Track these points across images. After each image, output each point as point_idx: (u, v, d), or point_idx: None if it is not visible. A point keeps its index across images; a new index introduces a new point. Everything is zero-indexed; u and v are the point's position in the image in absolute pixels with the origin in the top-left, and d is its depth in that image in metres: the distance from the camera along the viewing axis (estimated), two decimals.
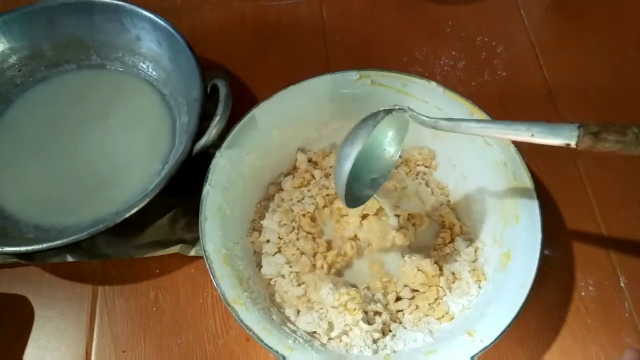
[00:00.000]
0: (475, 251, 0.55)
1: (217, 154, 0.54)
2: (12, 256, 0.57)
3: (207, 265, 0.49)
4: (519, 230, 0.51)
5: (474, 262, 0.54)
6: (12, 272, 0.59)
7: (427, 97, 0.56)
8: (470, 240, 0.57)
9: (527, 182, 0.51)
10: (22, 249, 0.51)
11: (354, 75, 0.57)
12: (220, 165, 0.54)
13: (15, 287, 0.58)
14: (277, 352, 0.45)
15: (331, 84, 0.58)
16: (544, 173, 0.63)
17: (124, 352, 0.55)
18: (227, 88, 0.57)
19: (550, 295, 0.56)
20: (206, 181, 0.52)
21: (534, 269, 0.47)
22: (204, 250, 0.49)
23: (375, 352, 0.50)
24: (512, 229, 0.52)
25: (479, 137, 0.54)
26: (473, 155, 0.56)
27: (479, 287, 0.52)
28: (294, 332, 0.49)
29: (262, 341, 0.45)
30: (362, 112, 0.58)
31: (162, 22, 0.63)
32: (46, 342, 0.55)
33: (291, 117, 0.58)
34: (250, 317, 0.47)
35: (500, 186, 0.54)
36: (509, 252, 0.51)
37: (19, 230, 0.58)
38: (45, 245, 0.50)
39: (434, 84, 0.56)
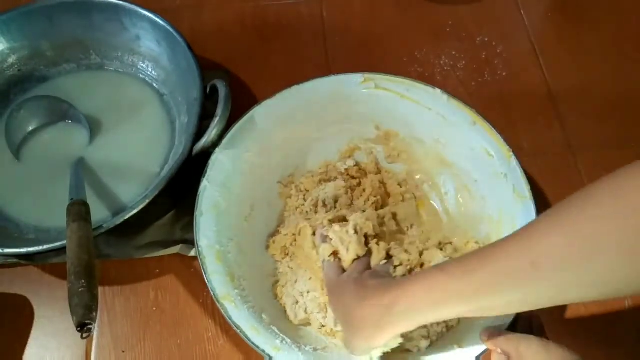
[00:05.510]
0: None
1: (217, 149, 0.54)
2: (12, 257, 0.57)
3: (199, 260, 0.49)
4: None
5: None
6: (12, 272, 0.59)
7: (430, 103, 0.56)
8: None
9: (527, 196, 0.50)
10: (23, 250, 0.51)
11: (358, 77, 0.57)
12: (219, 161, 0.54)
13: (16, 287, 0.58)
14: (263, 351, 0.45)
15: (335, 86, 0.58)
16: (544, 173, 0.63)
17: (123, 352, 0.55)
18: (227, 88, 0.57)
19: None
20: (204, 176, 0.52)
21: None
22: (197, 245, 0.49)
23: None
24: None
25: (481, 147, 0.54)
26: (474, 166, 0.56)
27: None
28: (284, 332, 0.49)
29: (249, 340, 0.45)
30: (365, 115, 0.58)
31: (161, 22, 0.63)
32: (46, 342, 0.55)
33: (293, 117, 0.58)
34: (239, 315, 0.47)
35: (500, 198, 0.53)
36: None
37: (20, 231, 0.59)
38: (45, 247, 0.50)
39: (438, 90, 0.56)
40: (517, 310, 0.40)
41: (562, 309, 0.56)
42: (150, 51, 0.67)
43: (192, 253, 0.58)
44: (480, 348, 0.45)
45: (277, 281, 0.55)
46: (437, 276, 0.38)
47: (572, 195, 0.32)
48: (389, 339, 0.42)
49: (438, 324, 0.51)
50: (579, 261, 0.30)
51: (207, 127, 0.55)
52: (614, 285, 0.30)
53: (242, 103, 0.59)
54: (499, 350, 0.43)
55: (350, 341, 0.44)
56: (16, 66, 0.68)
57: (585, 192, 0.31)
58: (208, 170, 0.53)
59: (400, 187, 0.60)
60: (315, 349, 0.49)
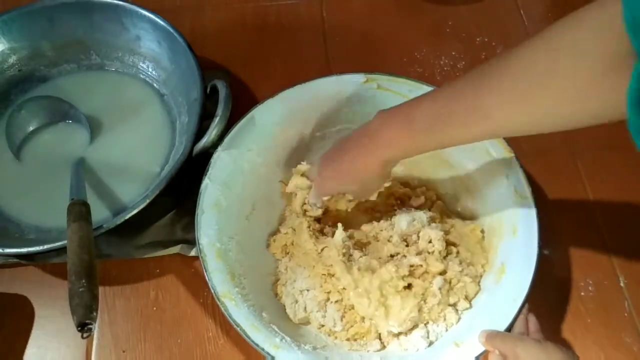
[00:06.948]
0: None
1: (219, 148, 0.54)
2: (12, 256, 0.57)
3: (200, 258, 0.49)
4: (516, 244, 0.50)
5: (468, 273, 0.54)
6: (12, 272, 0.59)
7: None
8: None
9: (527, 196, 0.50)
10: (23, 250, 0.52)
11: (360, 77, 0.57)
12: (221, 160, 0.54)
13: (16, 287, 0.58)
14: (263, 349, 0.45)
15: (337, 85, 0.58)
16: (544, 173, 0.63)
17: (124, 351, 0.55)
18: (227, 89, 0.57)
19: (550, 295, 0.56)
20: (205, 175, 0.53)
21: (528, 284, 0.46)
22: (198, 243, 0.49)
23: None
24: (509, 242, 0.51)
25: (482, 147, 0.54)
26: (474, 166, 0.56)
27: (470, 300, 0.52)
28: (283, 331, 0.49)
29: (249, 338, 0.45)
30: (367, 115, 0.58)
31: (162, 22, 0.63)
32: (46, 342, 0.55)
33: (295, 117, 0.58)
34: (239, 312, 0.47)
35: (500, 198, 0.53)
36: (504, 266, 0.50)
37: (20, 231, 0.59)
38: (45, 247, 0.51)
39: None
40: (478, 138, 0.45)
41: (561, 309, 0.56)
42: (150, 51, 0.67)
43: (193, 253, 0.58)
44: (479, 348, 0.45)
45: (277, 280, 0.56)
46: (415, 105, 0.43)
47: (510, 52, 0.38)
48: (381, 167, 0.47)
49: (438, 324, 0.51)
50: (518, 108, 0.39)
51: (208, 127, 0.55)
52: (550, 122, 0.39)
53: (242, 103, 0.59)
54: (497, 352, 0.43)
55: (353, 187, 0.50)
56: (17, 66, 0.68)
57: (523, 49, 0.38)
58: (210, 169, 0.53)
59: (402, 188, 0.61)
60: (314, 348, 0.49)
